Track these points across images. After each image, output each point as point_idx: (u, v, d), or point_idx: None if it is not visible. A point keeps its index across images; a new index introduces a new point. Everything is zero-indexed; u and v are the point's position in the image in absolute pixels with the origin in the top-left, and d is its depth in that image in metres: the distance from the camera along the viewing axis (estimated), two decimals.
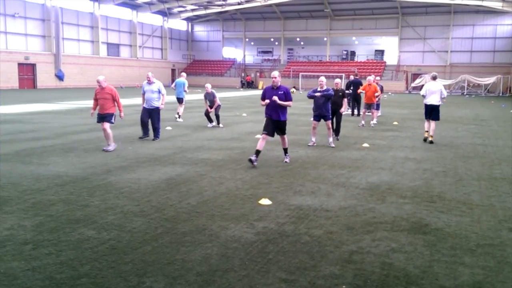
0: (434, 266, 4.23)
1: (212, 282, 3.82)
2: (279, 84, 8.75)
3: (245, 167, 8.51)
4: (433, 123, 12.02)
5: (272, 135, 8.82)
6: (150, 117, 11.63)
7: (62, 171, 7.86)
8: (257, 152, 8.63)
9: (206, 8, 55.59)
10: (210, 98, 14.99)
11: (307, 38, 60.84)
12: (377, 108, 17.50)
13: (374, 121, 16.35)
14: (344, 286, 3.80)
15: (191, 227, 5.15)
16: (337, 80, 12.28)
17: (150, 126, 11.76)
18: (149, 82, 11.63)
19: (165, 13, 56.25)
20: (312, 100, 11.25)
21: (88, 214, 5.54)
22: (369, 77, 16.04)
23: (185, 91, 17.53)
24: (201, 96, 18.88)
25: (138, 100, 19.27)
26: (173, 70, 60.60)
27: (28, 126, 14.31)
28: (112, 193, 6.53)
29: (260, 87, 53.25)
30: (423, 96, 12.35)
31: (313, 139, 11.30)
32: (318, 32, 57.92)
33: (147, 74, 12.01)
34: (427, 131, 12.30)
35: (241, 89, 51.52)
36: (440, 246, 4.71)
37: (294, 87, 46.30)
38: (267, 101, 8.61)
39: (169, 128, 14.15)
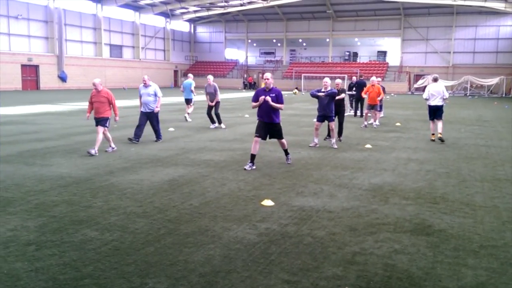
0: (437, 267, 4.22)
1: (214, 283, 3.82)
2: (271, 86, 8.56)
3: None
4: (439, 122, 12.36)
5: (264, 138, 8.59)
6: (149, 120, 11.42)
7: (65, 172, 7.88)
8: (252, 157, 8.49)
9: (208, 9, 55.66)
10: (210, 91, 14.69)
11: (309, 39, 60.82)
12: (380, 109, 17.48)
13: (377, 122, 16.33)
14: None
15: (193, 228, 5.16)
16: (338, 81, 12.31)
17: (145, 132, 11.49)
18: (145, 85, 11.39)
19: (168, 15, 56.35)
20: (315, 100, 11.28)
21: (91, 215, 5.55)
22: (372, 78, 16.00)
23: (191, 91, 17.43)
24: (203, 97, 18.86)
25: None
26: (175, 72, 60.73)
27: (31, 127, 14.35)
28: (115, 194, 6.54)
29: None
30: (426, 99, 12.62)
31: (316, 140, 11.30)
32: (321, 33, 57.90)
33: (143, 77, 11.73)
34: (433, 134, 12.49)
35: (244, 90, 51.55)
36: (443, 248, 4.70)
37: (296, 88, 46.30)
38: (262, 98, 8.29)
39: (171, 129, 14.17)
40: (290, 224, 5.37)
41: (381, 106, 17.60)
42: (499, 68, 48.25)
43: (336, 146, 11.08)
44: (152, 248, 4.55)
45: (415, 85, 47.80)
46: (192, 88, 17.37)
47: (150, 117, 11.41)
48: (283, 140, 8.78)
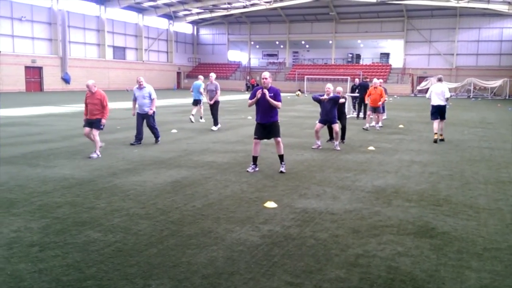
0: (440, 270, 4.21)
1: (217, 285, 3.82)
2: (269, 85, 8.34)
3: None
4: (441, 123, 12.71)
5: (263, 138, 8.47)
6: (145, 120, 11.27)
7: (68, 174, 7.90)
8: (254, 159, 8.45)
9: (211, 11, 55.77)
10: (211, 88, 14.52)
11: (312, 41, 60.83)
12: (382, 111, 17.43)
13: (380, 124, 16.31)
14: None
15: (196, 230, 5.16)
16: (339, 89, 12.31)
17: (145, 134, 11.45)
18: (140, 87, 11.19)
19: (171, 17, 56.51)
20: (317, 104, 11.32)
21: (94, 217, 5.56)
22: (374, 80, 15.94)
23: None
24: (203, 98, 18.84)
25: None
26: (178, 73, 60.83)
27: (35, 128, 14.40)
28: (118, 196, 6.55)
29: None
30: (429, 99, 13.03)
31: (318, 142, 11.29)
32: (324, 35, 57.91)
33: (138, 78, 11.45)
34: (436, 133, 12.65)
35: (246, 92, 51.57)
36: (447, 250, 4.68)
37: (299, 90, 46.33)
38: (259, 91, 8.10)
39: (174, 131, 14.19)
40: (293, 226, 5.36)
41: (383, 108, 17.55)
42: (502, 70, 48.14)
43: (339, 148, 11.07)
44: (155, 250, 4.55)
45: (418, 87, 47.76)
46: (202, 90, 17.39)
47: (146, 118, 11.27)
48: (280, 140, 8.31)
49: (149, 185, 7.20)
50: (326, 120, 11.08)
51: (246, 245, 4.71)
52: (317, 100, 11.10)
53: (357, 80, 21.85)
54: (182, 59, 62.30)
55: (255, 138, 8.40)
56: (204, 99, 17.61)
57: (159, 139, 11.54)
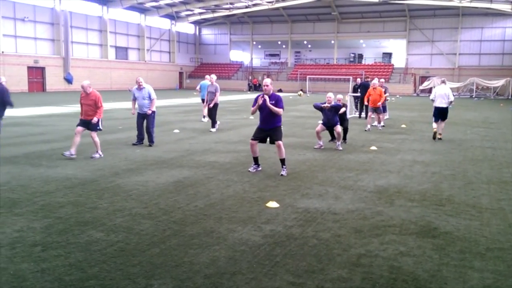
0: (443, 270, 4.20)
1: (219, 285, 3.83)
2: (271, 92, 8.22)
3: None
4: (442, 123, 13.09)
5: (263, 141, 8.38)
6: (146, 121, 11.17)
7: (70, 174, 7.92)
8: (255, 160, 8.43)
9: (213, 11, 55.79)
10: (211, 90, 14.40)
11: (314, 41, 60.79)
12: (384, 111, 17.38)
13: (382, 123, 16.28)
14: None
15: (198, 230, 5.16)
16: (339, 96, 12.28)
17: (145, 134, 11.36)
18: (140, 88, 11.07)
19: (173, 17, 56.54)
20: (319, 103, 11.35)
21: (97, 216, 5.57)
22: (374, 81, 15.87)
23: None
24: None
25: None
26: (180, 73, 60.87)
27: (38, 129, 14.44)
28: (120, 196, 6.56)
29: None
30: (432, 100, 13.28)
31: (320, 142, 11.30)
32: (326, 35, 57.86)
33: (137, 79, 11.30)
34: (435, 128, 13.13)
35: (248, 92, 51.58)
36: (449, 250, 4.68)
37: (301, 90, 46.31)
38: (260, 98, 8.01)
39: (176, 131, 14.20)
40: (295, 226, 5.36)
41: (385, 108, 17.50)
42: (505, 70, 48.02)
43: (341, 148, 11.07)
44: (157, 250, 4.56)
45: (421, 87, 47.68)
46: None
47: (146, 118, 11.17)
48: (281, 144, 8.11)
49: (151, 185, 7.21)
50: (328, 124, 11.21)
51: (248, 245, 4.71)
52: (318, 108, 11.19)
53: (359, 80, 21.84)
54: (184, 59, 62.34)
55: (251, 140, 8.32)
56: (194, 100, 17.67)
57: (153, 144, 11.20)
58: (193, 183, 7.40)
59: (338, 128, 11.09)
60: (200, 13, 56.79)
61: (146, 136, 11.33)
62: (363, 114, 19.26)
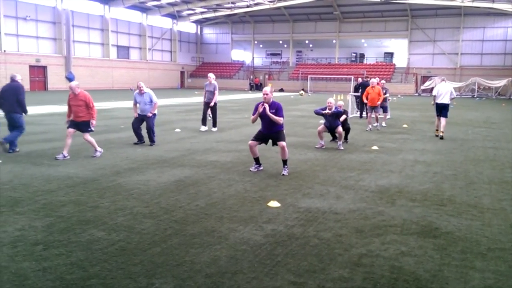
0: (444, 270, 4.20)
1: (220, 284, 3.83)
2: (271, 100, 8.15)
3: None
4: (443, 120, 13.15)
5: (264, 143, 8.37)
6: (145, 122, 11.14)
7: (72, 173, 7.93)
8: (256, 160, 8.42)
9: (215, 11, 55.79)
10: (209, 89, 14.14)
11: (316, 41, 60.77)
12: (385, 111, 17.32)
13: (383, 123, 16.26)
14: None
15: (200, 229, 5.17)
16: (340, 103, 12.27)
17: (145, 132, 11.33)
18: (141, 93, 11.07)
19: (175, 16, 56.55)
20: (321, 102, 11.33)
21: (98, 215, 5.58)
22: (372, 80, 15.78)
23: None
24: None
25: None
26: (182, 73, 60.90)
27: (39, 127, 14.45)
28: (122, 195, 6.56)
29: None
30: (434, 96, 13.60)
31: (321, 142, 11.31)
32: (327, 35, 57.84)
33: (138, 84, 11.28)
34: (437, 129, 13.43)
35: (250, 92, 51.58)
36: (451, 250, 4.67)
37: (302, 90, 46.30)
38: (260, 106, 8.01)
39: (178, 130, 14.21)
40: (296, 225, 5.36)
41: (386, 108, 17.45)
42: (507, 70, 47.94)
43: (342, 148, 11.07)
44: (159, 249, 4.56)
45: (422, 87, 47.61)
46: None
47: (145, 119, 11.14)
48: (284, 144, 8.05)
49: (152, 184, 7.22)
50: (330, 128, 11.30)
51: (250, 244, 4.71)
52: (319, 114, 11.21)
53: (360, 80, 21.82)
54: (185, 59, 62.36)
55: (251, 140, 8.30)
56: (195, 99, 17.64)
57: (154, 143, 11.19)
58: (194, 182, 7.41)
59: (340, 129, 11.10)
60: (202, 12, 56.80)
61: (146, 136, 11.34)
62: (364, 114, 19.23)
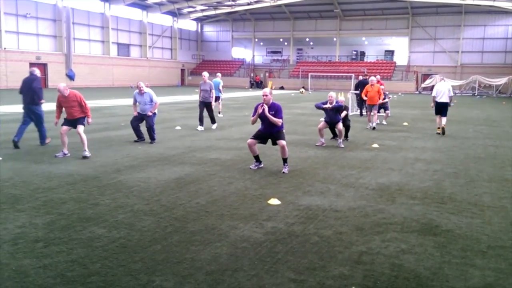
0: (444, 267, 4.20)
1: (221, 282, 3.83)
2: (270, 102, 8.09)
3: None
4: (444, 118, 13.60)
5: (263, 142, 8.36)
6: (145, 120, 11.10)
7: (73, 170, 7.93)
8: (256, 158, 8.42)
9: (215, 8, 55.73)
10: (205, 88, 13.91)
11: (316, 39, 60.68)
12: (386, 109, 17.25)
13: (384, 121, 16.24)
14: (353, 287, 3.79)
15: (200, 227, 5.17)
16: (341, 99, 12.23)
17: (144, 130, 11.30)
18: (141, 93, 11.04)
19: (175, 14, 56.47)
20: (321, 100, 11.33)
21: (99, 213, 5.58)
22: (371, 78, 15.63)
23: (219, 90, 17.77)
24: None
25: None
26: (182, 70, 60.85)
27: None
28: (122, 192, 6.57)
29: (269, 87, 53.29)
30: (434, 97, 13.82)
31: (322, 140, 11.30)
32: (328, 33, 57.74)
33: (138, 84, 11.22)
34: (439, 127, 13.69)
35: (250, 89, 51.55)
36: (451, 248, 4.67)
37: (303, 87, 46.27)
38: (260, 107, 8.00)
39: (178, 128, 14.20)
40: (296, 223, 5.37)
41: (387, 106, 17.38)
42: (507, 68, 47.85)
43: (342, 146, 11.07)
44: (159, 246, 4.57)
45: (423, 85, 47.54)
46: (221, 87, 17.91)
47: (145, 117, 11.11)
48: (284, 143, 8.05)
49: (153, 182, 7.22)
50: (330, 122, 11.23)
51: (250, 242, 4.72)
52: (320, 108, 11.18)
53: (361, 77, 21.79)
54: (186, 56, 62.29)
55: (250, 139, 8.29)
56: (222, 96, 18.11)
57: (155, 141, 11.18)
58: (195, 180, 7.41)
59: (340, 126, 11.10)
60: (202, 10, 56.70)
61: (146, 133, 11.33)
62: (364, 112, 19.19)
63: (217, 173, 7.99)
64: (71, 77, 43.81)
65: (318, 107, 11.28)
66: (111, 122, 15.44)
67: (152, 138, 11.19)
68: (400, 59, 55.77)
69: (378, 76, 18.46)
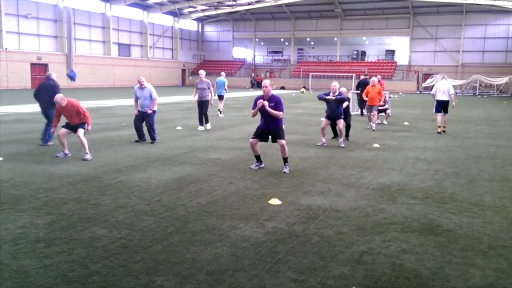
0: (445, 267, 4.20)
1: (222, 282, 3.83)
2: (270, 93, 8.07)
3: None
4: (445, 116, 13.82)
5: (264, 140, 8.32)
6: (145, 119, 11.08)
7: (73, 170, 7.94)
8: (257, 158, 8.41)
9: (216, 8, 55.76)
10: (202, 87, 13.75)
11: (317, 38, 60.69)
12: (386, 110, 17.19)
13: (385, 121, 16.22)
14: (354, 287, 3.79)
15: (201, 227, 5.17)
16: (343, 89, 12.22)
17: (146, 130, 11.28)
18: (142, 87, 11.00)
19: (176, 14, 56.50)
20: (322, 101, 11.31)
21: (100, 213, 5.58)
22: (373, 78, 15.56)
23: (225, 89, 18.06)
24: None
25: None
26: (183, 70, 60.88)
27: (41, 125, 14.40)
28: (123, 192, 6.57)
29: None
30: (433, 95, 14.09)
31: (323, 140, 11.29)
32: (328, 32, 57.74)
33: (139, 78, 11.16)
34: (439, 126, 13.79)
35: (251, 89, 51.54)
36: (452, 248, 4.67)
37: (304, 87, 46.26)
38: (260, 101, 7.95)
39: (179, 128, 14.21)
40: (297, 223, 5.37)
41: (386, 109, 17.31)
42: (508, 68, 47.81)
43: (343, 145, 11.06)
44: (160, 246, 4.57)
45: (424, 84, 47.53)
46: (226, 86, 18.26)
47: (145, 116, 11.08)
48: (284, 143, 8.07)
49: (154, 182, 7.22)
50: (332, 116, 11.11)
51: (251, 242, 4.72)
52: (322, 99, 11.13)
53: (362, 77, 21.76)
54: (187, 56, 62.33)
55: (251, 138, 8.28)
56: (225, 94, 18.37)
57: (155, 141, 11.15)
58: (196, 180, 7.41)
59: (341, 124, 11.07)
60: (203, 10, 56.75)
61: (147, 133, 11.34)
62: (365, 112, 19.16)
63: (217, 173, 7.99)
64: (72, 77, 43.86)
65: (320, 98, 11.15)
66: (111, 122, 15.44)
67: (153, 138, 11.19)
68: (401, 58, 55.77)
69: (379, 76, 18.45)
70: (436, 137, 12.94)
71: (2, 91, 34.43)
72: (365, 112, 19.00)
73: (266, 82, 8.13)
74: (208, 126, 14.14)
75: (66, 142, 9.31)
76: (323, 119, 11.46)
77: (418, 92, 48.51)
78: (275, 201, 6.18)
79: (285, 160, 8.21)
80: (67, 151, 9.23)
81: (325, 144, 11.21)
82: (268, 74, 59.14)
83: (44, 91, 10.59)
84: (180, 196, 6.45)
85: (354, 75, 45.17)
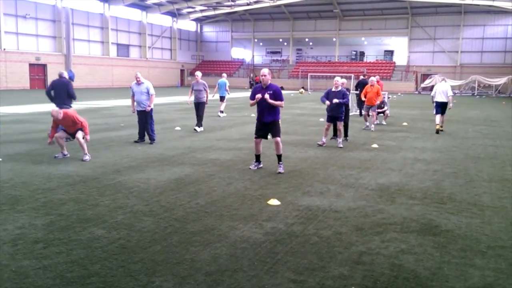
0: (444, 267, 4.20)
1: (221, 282, 3.83)
2: (269, 82, 8.03)
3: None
4: (442, 117, 14.11)
5: (265, 137, 8.34)
6: (141, 118, 11.09)
7: (72, 171, 7.93)
8: (257, 157, 8.43)
9: (215, 9, 55.75)
10: (198, 88, 13.62)
11: (316, 39, 60.73)
12: (385, 110, 17.19)
13: (384, 122, 16.22)
14: (353, 287, 3.79)
15: (200, 227, 5.17)
16: (343, 80, 12.18)
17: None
18: (138, 83, 10.96)
19: (174, 14, 56.51)
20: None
21: (98, 214, 5.58)
22: (371, 78, 15.51)
23: (226, 90, 18.21)
24: (214, 96, 18.87)
25: None
26: (182, 71, 60.87)
27: (39, 126, 14.44)
28: (122, 193, 6.57)
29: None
30: (432, 97, 14.28)
31: (324, 139, 11.30)
32: (327, 33, 57.80)
33: (136, 74, 11.26)
34: (437, 124, 13.96)
35: (250, 90, 51.52)
36: (450, 248, 4.67)
37: (302, 88, 46.27)
38: (258, 96, 7.94)
39: (178, 128, 14.20)
40: (296, 223, 5.37)
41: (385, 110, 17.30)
42: (507, 68, 47.92)
43: (341, 146, 11.06)
44: (159, 247, 4.56)
45: (422, 85, 47.59)
46: (227, 87, 18.53)
47: (143, 116, 11.07)
48: (279, 140, 8.09)
49: (152, 183, 7.22)
50: (333, 116, 11.12)
51: (250, 242, 4.72)
52: (324, 103, 11.11)
53: (361, 77, 21.77)
54: (185, 57, 62.33)
55: (256, 138, 8.31)
56: (227, 95, 18.57)
57: (154, 142, 11.13)
58: (195, 181, 7.41)
59: (340, 125, 11.08)
60: (202, 10, 56.75)
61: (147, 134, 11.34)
62: (363, 111, 19.14)
63: (216, 173, 7.99)
64: (70, 78, 43.68)
65: (323, 102, 11.17)
66: (110, 123, 15.43)
67: (152, 139, 11.18)
68: (400, 59, 55.82)
69: (378, 76, 18.45)
70: (434, 138, 12.96)
71: (1, 91, 34.40)
72: (363, 111, 19.03)
73: (265, 71, 8.03)
74: (201, 129, 13.82)
75: (64, 143, 9.30)
76: (322, 120, 11.44)
77: (416, 92, 48.58)
78: (274, 202, 6.18)
79: (279, 157, 8.21)
80: (65, 152, 9.22)
81: (324, 144, 11.22)
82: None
83: (59, 89, 11.05)
84: (179, 196, 6.45)
85: (353, 75, 45.22)
